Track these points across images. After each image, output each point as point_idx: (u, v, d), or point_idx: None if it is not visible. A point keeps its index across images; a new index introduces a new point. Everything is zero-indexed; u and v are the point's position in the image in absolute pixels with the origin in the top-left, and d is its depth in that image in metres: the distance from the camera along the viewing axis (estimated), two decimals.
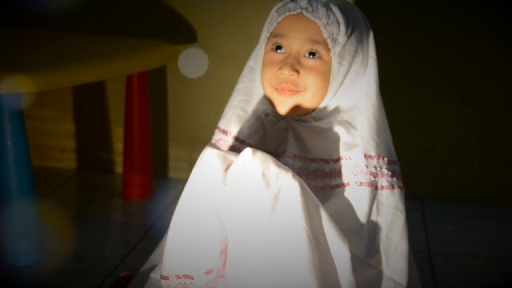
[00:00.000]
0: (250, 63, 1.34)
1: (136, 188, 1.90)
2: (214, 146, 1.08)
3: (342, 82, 1.24)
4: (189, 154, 2.05)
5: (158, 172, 2.04)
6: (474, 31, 1.86)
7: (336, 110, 1.26)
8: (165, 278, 1.12)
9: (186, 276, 1.10)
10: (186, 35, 1.96)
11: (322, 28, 1.20)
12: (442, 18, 1.86)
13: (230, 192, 1.05)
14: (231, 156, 1.07)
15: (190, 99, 2.01)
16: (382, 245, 1.23)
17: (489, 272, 1.60)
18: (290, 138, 1.27)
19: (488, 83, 1.89)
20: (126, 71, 1.75)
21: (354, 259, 1.12)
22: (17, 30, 1.86)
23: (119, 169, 2.07)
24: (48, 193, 1.92)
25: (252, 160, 1.04)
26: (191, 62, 1.93)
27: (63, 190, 1.96)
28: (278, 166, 1.05)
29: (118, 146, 2.05)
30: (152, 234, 1.66)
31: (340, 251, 1.10)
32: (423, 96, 1.92)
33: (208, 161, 1.07)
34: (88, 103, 2.07)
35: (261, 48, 1.27)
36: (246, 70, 1.34)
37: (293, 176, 1.05)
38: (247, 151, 1.05)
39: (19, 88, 1.43)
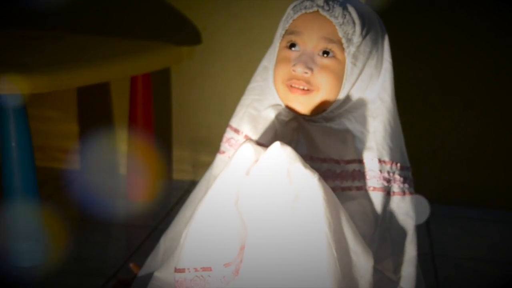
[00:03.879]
0: (265, 62, 1.33)
1: (139, 190, 1.90)
2: (251, 141, 1.07)
3: (354, 83, 1.24)
4: (193, 155, 2.05)
5: (161, 173, 2.04)
6: (475, 33, 1.86)
7: (348, 111, 1.26)
8: (181, 271, 1.10)
9: (204, 269, 1.09)
10: (190, 36, 1.96)
11: (337, 27, 1.20)
12: (443, 20, 1.86)
13: (253, 184, 1.04)
14: (263, 150, 1.06)
15: (194, 101, 2.01)
16: (391, 251, 1.22)
17: (491, 274, 1.60)
18: (301, 138, 1.26)
19: (490, 86, 1.89)
20: (130, 72, 1.76)
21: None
22: (21, 31, 1.86)
23: (123, 170, 2.07)
24: (51, 194, 1.92)
25: (279, 154, 1.03)
26: None
27: (66, 191, 1.97)
28: (305, 166, 1.04)
29: (122, 147, 2.06)
30: (155, 236, 1.66)
31: (362, 259, 1.09)
32: (424, 99, 1.92)
33: (243, 154, 1.05)
34: (92, 104, 2.08)
35: (275, 46, 1.27)
36: (260, 69, 1.34)
37: (319, 179, 1.04)
38: (276, 144, 1.04)
39: (23, 89, 1.43)
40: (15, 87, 1.43)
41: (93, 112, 2.08)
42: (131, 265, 1.42)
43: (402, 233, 1.24)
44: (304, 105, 1.23)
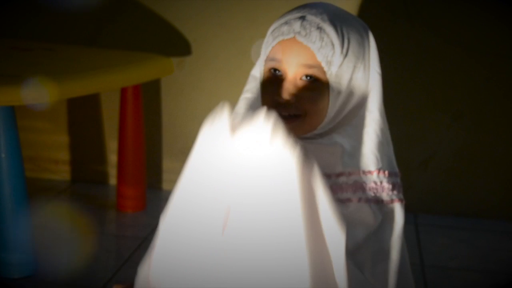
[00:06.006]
0: (254, 72, 1.33)
1: (129, 200, 1.90)
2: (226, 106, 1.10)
3: (342, 99, 1.24)
4: (183, 166, 2.04)
5: (152, 184, 2.04)
6: (466, 44, 1.87)
7: (338, 126, 1.26)
8: None
9: None
10: (180, 47, 1.97)
11: (316, 52, 1.19)
12: (434, 31, 1.87)
13: (237, 149, 1.08)
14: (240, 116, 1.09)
15: (184, 112, 2.01)
16: (375, 257, 1.23)
17: (482, 285, 1.60)
18: None
19: (481, 97, 1.90)
20: (120, 84, 1.76)
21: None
22: (12, 42, 1.86)
23: (113, 181, 2.07)
24: (41, 205, 1.91)
25: (263, 123, 1.05)
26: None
27: (57, 202, 1.96)
28: (286, 138, 1.06)
29: (112, 158, 2.06)
30: (145, 246, 1.66)
31: (335, 235, 1.09)
32: (415, 110, 1.93)
33: (218, 117, 1.10)
34: (83, 115, 2.08)
35: (261, 61, 1.28)
36: (250, 79, 1.33)
37: (298, 152, 1.05)
38: (262, 112, 1.06)
39: (13, 100, 1.43)
40: (5, 99, 1.42)
41: (83, 123, 2.08)
42: (114, 287, 1.42)
43: (388, 239, 1.24)
44: (291, 131, 1.23)
